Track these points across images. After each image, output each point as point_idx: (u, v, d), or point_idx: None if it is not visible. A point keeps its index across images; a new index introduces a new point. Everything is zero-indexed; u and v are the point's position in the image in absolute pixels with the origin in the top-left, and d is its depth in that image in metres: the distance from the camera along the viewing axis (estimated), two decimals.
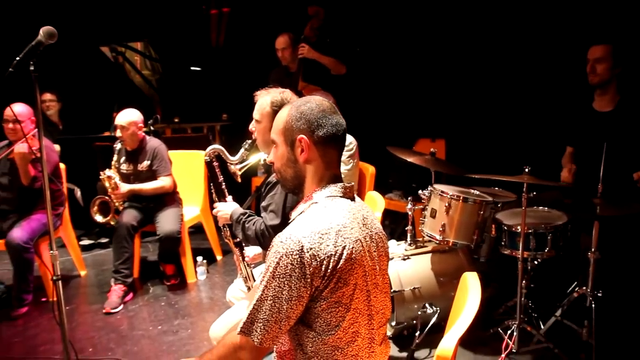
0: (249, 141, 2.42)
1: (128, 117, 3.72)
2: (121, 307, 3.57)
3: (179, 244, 3.84)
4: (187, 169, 4.30)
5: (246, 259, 2.45)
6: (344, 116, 1.52)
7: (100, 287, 3.95)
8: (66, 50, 4.14)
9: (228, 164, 2.48)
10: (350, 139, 3.39)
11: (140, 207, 3.85)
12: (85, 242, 4.80)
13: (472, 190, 3.14)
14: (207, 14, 5.94)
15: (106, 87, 5.44)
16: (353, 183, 1.57)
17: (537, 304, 3.04)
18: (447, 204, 2.95)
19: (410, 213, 3.16)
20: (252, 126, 2.32)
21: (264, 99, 2.23)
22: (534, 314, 3.00)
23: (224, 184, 2.49)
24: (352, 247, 1.38)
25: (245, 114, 2.64)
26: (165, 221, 3.74)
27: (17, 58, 2.00)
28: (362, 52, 4.95)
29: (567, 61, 3.76)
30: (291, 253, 1.32)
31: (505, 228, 2.90)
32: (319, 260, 1.33)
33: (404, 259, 3.03)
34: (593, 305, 2.72)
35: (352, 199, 1.51)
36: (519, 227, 2.77)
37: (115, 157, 3.80)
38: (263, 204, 2.32)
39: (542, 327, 2.92)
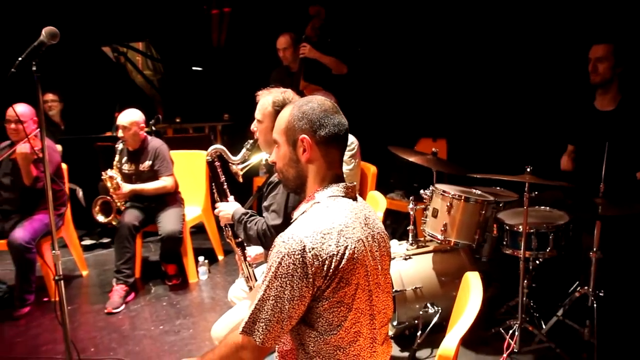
0: (251, 141, 2.43)
1: (130, 117, 3.72)
2: (123, 307, 3.58)
3: (181, 244, 3.84)
4: (188, 169, 4.30)
5: (248, 258, 2.45)
6: (346, 116, 1.52)
7: (102, 287, 3.95)
8: (68, 50, 4.13)
9: (230, 164, 2.48)
10: (352, 139, 3.39)
11: (142, 207, 3.85)
12: (87, 242, 4.79)
13: (474, 190, 3.14)
14: (208, 14, 5.95)
15: (108, 87, 5.44)
16: (355, 183, 1.57)
17: (539, 303, 3.04)
18: (448, 204, 2.95)
19: (411, 213, 3.16)
20: (253, 126, 2.32)
21: (266, 98, 2.23)
22: (536, 313, 3.00)
23: (225, 184, 2.50)
24: (354, 247, 1.38)
25: (246, 114, 2.65)
26: (167, 221, 3.74)
27: (20, 58, 2.01)
28: (364, 52, 4.95)
29: (569, 60, 3.74)
30: (293, 253, 1.32)
31: (507, 228, 2.89)
32: (321, 260, 1.33)
33: (406, 259, 3.03)
34: (595, 305, 2.72)
35: (354, 199, 1.51)
36: (520, 227, 2.77)
37: (117, 157, 3.80)
38: (265, 203, 2.32)
39: (543, 326, 2.92)
